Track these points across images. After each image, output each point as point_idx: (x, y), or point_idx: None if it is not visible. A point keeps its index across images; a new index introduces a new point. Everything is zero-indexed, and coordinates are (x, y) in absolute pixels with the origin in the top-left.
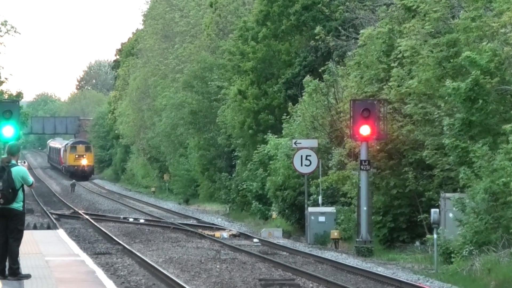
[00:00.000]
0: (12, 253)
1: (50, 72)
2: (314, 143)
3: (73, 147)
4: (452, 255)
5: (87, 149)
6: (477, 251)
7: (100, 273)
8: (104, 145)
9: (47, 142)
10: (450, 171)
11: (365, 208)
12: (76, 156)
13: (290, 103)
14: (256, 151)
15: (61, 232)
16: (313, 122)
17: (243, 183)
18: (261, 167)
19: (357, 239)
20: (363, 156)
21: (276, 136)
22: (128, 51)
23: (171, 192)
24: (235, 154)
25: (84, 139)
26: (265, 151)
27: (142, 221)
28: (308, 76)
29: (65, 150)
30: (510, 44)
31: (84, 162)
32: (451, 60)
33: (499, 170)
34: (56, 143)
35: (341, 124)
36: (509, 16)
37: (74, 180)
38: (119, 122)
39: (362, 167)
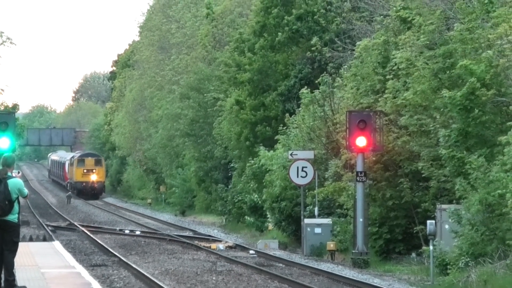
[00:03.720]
0: (7, 265)
1: (46, 83)
2: (310, 154)
3: (81, 161)
4: (448, 266)
5: (97, 162)
6: (473, 263)
7: (96, 285)
8: None
9: (48, 156)
10: (446, 183)
11: (361, 220)
12: (85, 170)
13: (287, 114)
14: (248, 164)
15: (57, 244)
16: (310, 133)
17: (238, 195)
18: (254, 180)
19: (353, 251)
20: (359, 167)
21: (267, 149)
22: (124, 63)
23: (167, 204)
24: (231, 165)
25: (81, 150)
26: (256, 165)
27: (138, 233)
28: (304, 88)
29: (71, 164)
30: (506, 56)
31: (93, 177)
32: (447, 72)
33: (495, 181)
34: (59, 156)
35: (337, 136)
36: (505, 28)
37: (69, 192)
38: (115, 133)
39: (358, 178)
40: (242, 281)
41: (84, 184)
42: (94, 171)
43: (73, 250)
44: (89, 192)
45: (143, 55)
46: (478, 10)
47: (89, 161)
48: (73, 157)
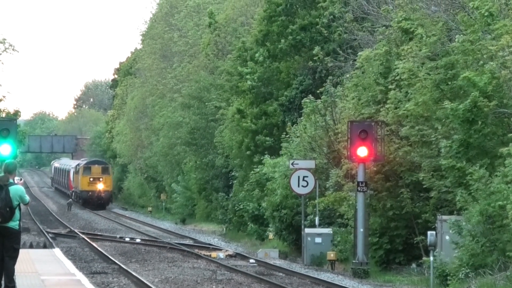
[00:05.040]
0: (8, 272)
1: (48, 90)
2: (311, 164)
3: (87, 168)
4: (449, 277)
5: (104, 170)
6: (473, 274)
7: None
8: None
9: (51, 163)
10: (447, 193)
11: (361, 230)
12: (91, 179)
13: (289, 123)
14: (252, 172)
15: (57, 251)
16: (311, 142)
17: (240, 203)
18: (258, 188)
19: (354, 261)
20: (360, 177)
21: (272, 157)
22: (126, 71)
23: (168, 212)
24: (232, 174)
25: (84, 157)
26: (262, 171)
27: (138, 240)
28: (307, 97)
29: (76, 172)
30: (508, 68)
31: (100, 186)
32: (449, 83)
33: (495, 193)
34: (63, 163)
35: (339, 145)
36: (507, 39)
37: (70, 199)
38: (116, 141)
39: (359, 188)
40: None
41: (90, 193)
42: (101, 179)
43: (73, 257)
44: (95, 202)
45: (145, 63)
46: (479, 22)
47: (96, 169)
48: (78, 164)
